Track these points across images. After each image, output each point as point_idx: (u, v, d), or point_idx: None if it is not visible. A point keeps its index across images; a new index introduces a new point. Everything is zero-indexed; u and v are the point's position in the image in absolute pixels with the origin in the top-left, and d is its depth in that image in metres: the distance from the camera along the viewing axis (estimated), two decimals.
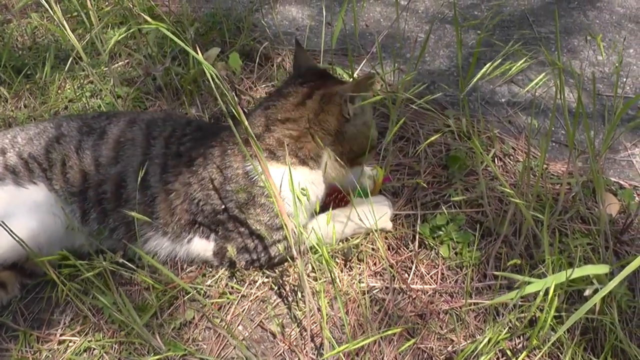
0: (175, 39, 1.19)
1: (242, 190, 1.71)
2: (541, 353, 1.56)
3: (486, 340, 1.54)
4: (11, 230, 1.46)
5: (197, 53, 1.22)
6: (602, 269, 1.38)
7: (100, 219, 1.80)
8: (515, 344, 1.63)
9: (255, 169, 1.62)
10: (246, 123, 1.39)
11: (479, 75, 1.48)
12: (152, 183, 1.78)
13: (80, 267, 1.49)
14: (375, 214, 1.77)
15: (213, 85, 1.25)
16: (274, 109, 1.74)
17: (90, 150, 1.83)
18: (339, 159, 1.72)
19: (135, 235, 1.74)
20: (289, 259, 1.81)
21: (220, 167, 1.74)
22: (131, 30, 1.31)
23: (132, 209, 1.72)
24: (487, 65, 1.49)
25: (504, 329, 1.61)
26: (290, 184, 1.51)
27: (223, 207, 1.74)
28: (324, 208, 1.82)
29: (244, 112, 1.42)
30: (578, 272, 1.37)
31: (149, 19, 1.27)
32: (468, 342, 1.62)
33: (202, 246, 1.81)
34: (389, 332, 1.57)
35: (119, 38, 1.31)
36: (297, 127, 1.71)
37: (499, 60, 1.49)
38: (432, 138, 1.61)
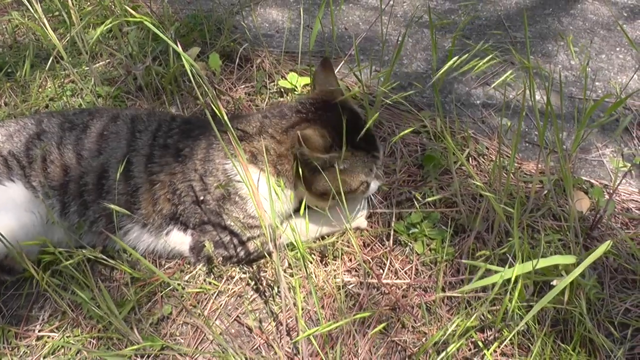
0: (158, 33, 1.23)
1: (221, 186, 1.74)
2: (508, 339, 1.60)
3: (454, 326, 1.58)
4: None
5: (178, 47, 1.25)
6: (568, 259, 1.43)
7: (80, 212, 1.82)
8: (487, 336, 1.68)
9: (235, 165, 1.66)
10: (226, 119, 1.42)
11: (444, 68, 1.52)
12: (136, 174, 1.80)
13: (59, 255, 1.51)
14: (351, 213, 1.82)
15: (193, 81, 1.28)
16: (269, 121, 1.79)
17: (72, 144, 1.85)
18: (311, 191, 1.77)
19: (115, 227, 1.77)
20: (267, 255, 1.84)
21: (203, 159, 1.78)
22: (115, 23, 1.33)
23: (113, 200, 1.76)
24: (454, 59, 1.53)
25: (471, 316, 1.65)
26: (269, 188, 1.55)
27: (202, 198, 1.77)
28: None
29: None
30: (544, 262, 1.42)
31: (133, 12, 1.29)
32: (440, 334, 1.66)
33: (179, 238, 1.84)
34: (359, 316, 1.60)
35: (102, 32, 1.33)
36: (280, 148, 1.75)
37: (466, 56, 1.53)
38: (403, 132, 1.65)
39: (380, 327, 1.64)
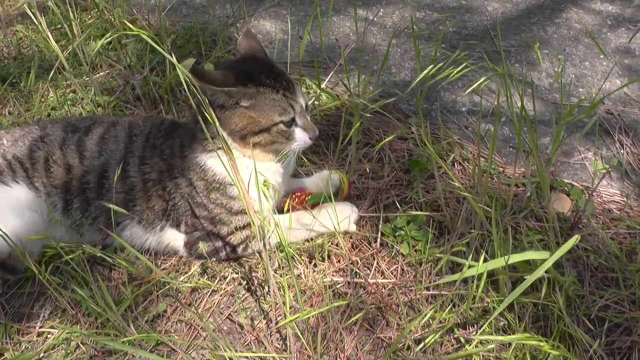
0: (155, 45, 1.31)
1: (199, 179, 1.86)
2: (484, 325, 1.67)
3: (429, 314, 1.67)
4: None
5: (173, 59, 1.34)
6: (541, 255, 1.50)
7: (83, 208, 1.92)
8: (469, 332, 1.75)
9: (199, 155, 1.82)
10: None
11: (422, 75, 1.61)
12: (132, 173, 1.91)
13: (61, 250, 1.60)
14: (339, 217, 1.90)
15: (188, 92, 1.36)
16: None
17: (75, 145, 1.96)
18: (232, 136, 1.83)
19: (114, 223, 1.86)
20: (257, 254, 1.92)
21: (180, 156, 1.89)
22: (115, 36, 1.41)
23: (112, 198, 1.87)
24: (430, 67, 1.62)
25: (448, 309, 1.73)
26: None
27: (187, 193, 1.88)
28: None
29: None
30: (516, 257, 1.49)
31: (130, 25, 1.38)
32: (425, 331, 1.73)
33: (172, 234, 1.94)
34: (337, 304, 1.70)
35: (103, 43, 1.41)
36: None
37: (442, 65, 1.62)
38: (389, 138, 1.73)
39: (358, 315, 1.72)
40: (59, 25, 3.05)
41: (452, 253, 1.85)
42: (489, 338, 1.61)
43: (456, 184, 1.71)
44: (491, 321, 1.71)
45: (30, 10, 2.44)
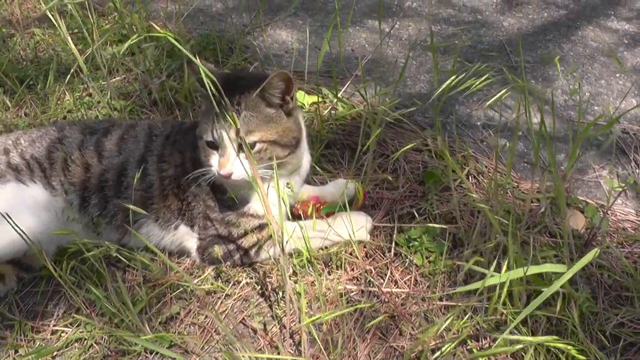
0: (181, 47, 1.32)
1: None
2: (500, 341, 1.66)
3: (447, 322, 1.66)
4: (16, 226, 1.57)
5: (197, 60, 1.35)
6: (559, 267, 1.50)
7: (101, 205, 1.94)
8: (482, 344, 1.74)
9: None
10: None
11: (444, 86, 1.61)
12: (150, 172, 1.93)
13: (83, 247, 1.62)
14: (355, 226, 1.90)
15: (210, 93, 1.37)
16: None
17: (94, 145, 1.98)
18: None
19: (131, 220, 1.87)
20: (270, 256, 1.93)
21: (192, 153, 1.90)
22: (140, 38, 1.43)
23: (131, 196, 1.87)
24: (451, 79, 1.63)
25: (465, 318, 1.73)
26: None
27: (197, 194, 1.91)
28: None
29: None
30: (534, 269, 1.49)
31: (157, 27, 1.40)
32: (438, 342, 1.72)
33: (186, 233, 1.95)
34: (359, 306, 1.66)
35: (129, 46, 1.42)
36: None
37: (463, 76, 1.63)
38: (407, 147, 1.74)
39: (377, 320, 1.71)
40: (76, 30, 3.08)
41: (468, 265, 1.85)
42: (518, 338, 1.58)
43: (474, 195, 1.71)
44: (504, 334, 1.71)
45: (51, 14, 2.46)
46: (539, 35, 3.16)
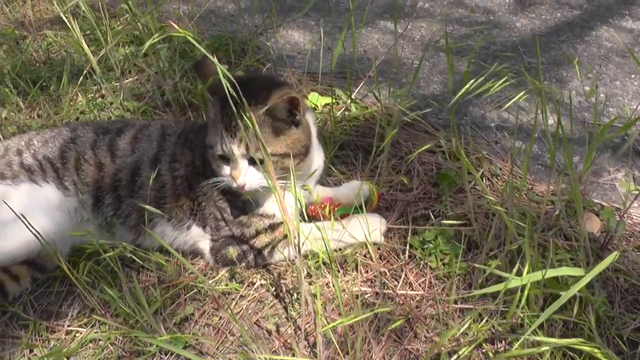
0: (198, 46, 1.32)
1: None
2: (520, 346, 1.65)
3: (466, 326, 1.65)
4: (31, 227, 1.57)
5: (214, 59, 1.35)
6: (577, 271, 1.48)
7: (115, 205, 1.94)
8: (497, 347, 1.73)
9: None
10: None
11: (463, 91, 1.60)
12: (163, 171, 1.93)
13: (99, 247, 1.64)
14: (368, 228, 1.89)
15: (227, 91, 1.36)
16: None
17: (107, 145, 1.98)
18: None
19: (145, 221, 1.86)
20: (287, 260, 1.92)
21: (202, 152, 1.89)
22: (159, 38, 1.42)
23: (145, 195, 1.88)
24: (471, 82, 1.61)
25: (482, 321, 1.71)
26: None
27: (207, 194, 1.90)
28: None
29: None
30: (553, 272, 1.47)
31: (176, 26, 1.39)
32: (453, 345, 1.71)
33: (198, 234, 1.94)
34: (381, 310, 1.65)
35: (150, 44, 1.42)
36: None
37: (482, 79, 1.62)
38: (423, 148, 1.73)
39: (397, 323, 1.70)
40: (88, 32, 3.09)
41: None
42: (542, 339, 1.56)
43: (490, 197, 1.69)
44: (520, 337, 1.70)
45: (64, 15, 2.47)
46: (552, 36, 3.14)
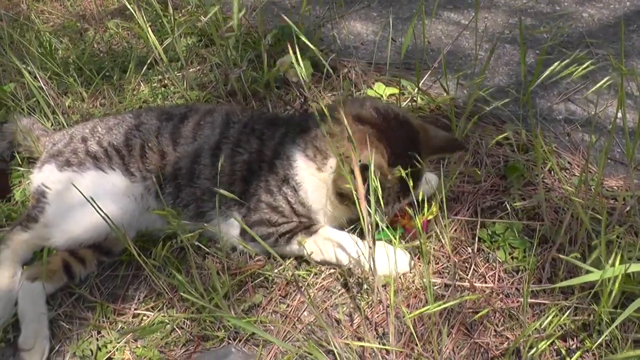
0: (302, 35, 1.31)
1: (282, 168, 1.86)
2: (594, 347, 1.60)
3: (547, 321, 1.61)
4: (102, 212, 1.59)
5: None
6: None
7: (175, 194, 1.94)
8: (570, 345, 1.68)
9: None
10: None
11: (547, 72, 1.56)
12: (224, 159, 1.90)
13: (179, 231, 1.69)
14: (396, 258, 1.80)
15: (303, 82, 1.36)
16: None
17: (170, 132, 1.99)
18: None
19: (201, 213, 1.90)
20: (299, 253, 1.91)
21: (277, 144, 1.90)
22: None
23: (202, 184, 1.90)
24: (556, 64, 1.57)
25: (564, 316, 1.67)
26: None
27: (264, 179, 1.89)
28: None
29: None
30: (636, 267, 1.42)
31: (287, 19, 1.39)
32: (522, 340, 1.67)
33: (233, 223, 1.93)
34: (465, 298, 1.62)
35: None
36: None
37: (560, 64, 1.57)
38: (499, 137, 1.69)
39: (480, 314, 1.68)
40: (149, 23, 3.13)
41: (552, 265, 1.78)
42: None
43: (568, 188, 1.64)
44: (593, 335, 1.65)
45: (130, 6, 2.51)
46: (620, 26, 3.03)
